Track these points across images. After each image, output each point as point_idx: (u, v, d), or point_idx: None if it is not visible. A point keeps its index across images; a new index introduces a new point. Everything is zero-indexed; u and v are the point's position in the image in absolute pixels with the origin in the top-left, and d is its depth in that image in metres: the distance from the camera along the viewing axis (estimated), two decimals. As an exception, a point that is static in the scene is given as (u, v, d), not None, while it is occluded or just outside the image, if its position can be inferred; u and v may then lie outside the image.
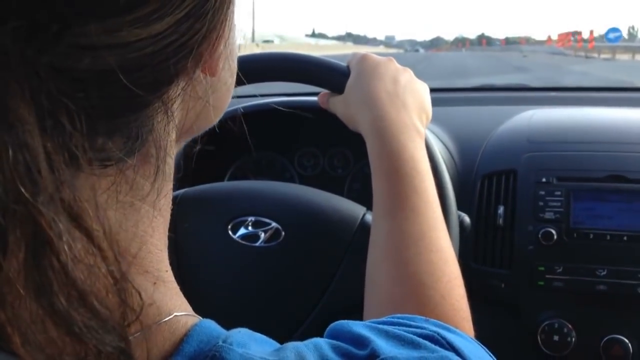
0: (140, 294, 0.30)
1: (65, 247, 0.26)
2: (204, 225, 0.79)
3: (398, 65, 0.72)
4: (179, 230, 0.76)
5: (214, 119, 0.42)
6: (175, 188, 0.85)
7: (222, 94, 0.42)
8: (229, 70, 0.41)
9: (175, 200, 0.81)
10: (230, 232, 0.77)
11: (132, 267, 0.32)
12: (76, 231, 0.27)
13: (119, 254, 0.29)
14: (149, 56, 0.29)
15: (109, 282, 0.28)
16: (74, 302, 0.26)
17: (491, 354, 0.42)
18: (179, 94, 0.35)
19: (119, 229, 0.33)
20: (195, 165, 0.96)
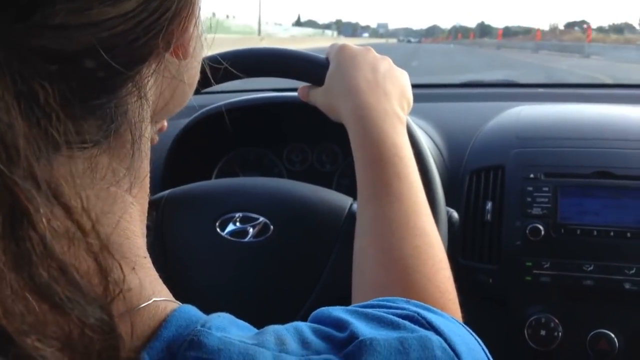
0: (121, 267, 0.30)
1: (43, 220, 0.26)
2: (192, 224, 0.79)
3: (377, 54, 0.72)
4: (166, 229, 0.76)
5: (188, 98, 0.43)
6: (163, 187, 0.84)
7: (195, 72, 0.42)
8: (200, 49, 0.41)
9: (162, 199, 0.81)
10: (218, 229, 0.77)
11: (112, 250, 0.32)
12: (54, 205, 0.27)
13: (97, 227, 0.29)
14: (120, 35, 0.29)
15: (90, 257, 0.29)
16: (55, 273, 0.26)
17: (473, 334, 0.42)
18: (151, 74, 0.35)
19: (95, 209, 0.32)
20: (183, 162, 0.95)
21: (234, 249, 0.76)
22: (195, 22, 0.37)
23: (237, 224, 0.77)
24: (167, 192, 0.80)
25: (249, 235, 0.76)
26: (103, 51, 0.28)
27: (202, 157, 1.14)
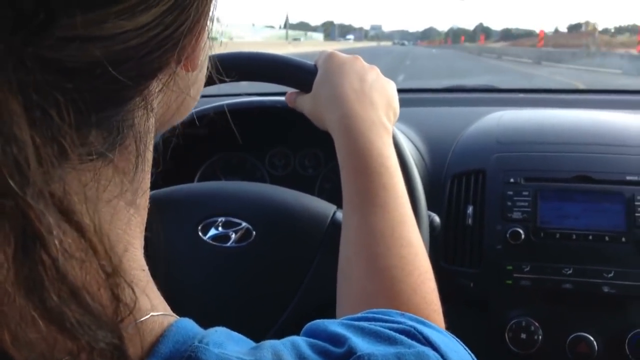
0: (133, 289, 0.30)
1: (56, 242, 0.25)
2: (174, 227, 0.78)
3: (365, 63, 0.72)
4: (148, 230, 0.75)
5: (191, 109, 0.43)
6: (158, 185, 0.84)
7: (200, 84, 0.42)
8: (206, 62, 0.41)
9: None
10: (200, 233, 0.77)
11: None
12: (66, 225, 0.26)
13: (110, 249, 0.28)
14: (134, 48, 0.29)
15: (100, 278, 0.28)
16: (66, 297, 0.26)
17: (466, 348, 0.43)
18: (160, 89, 0.34)
19: (104, 225, 0.32)
20: (165, 166, 0.94)
21: (215, 253, 0.76)
22: (207, 35, 0.37)
23: (220, 228, 0.77)
24: (150, 192, 0.80)
25: (231, 240, 0.76)
26: (116, 64, 0.28)
27: (184, 161, 1.13)
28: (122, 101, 0.31)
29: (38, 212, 0.24)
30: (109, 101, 0.30)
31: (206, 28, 0.36)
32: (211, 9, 0.36)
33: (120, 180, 0.34)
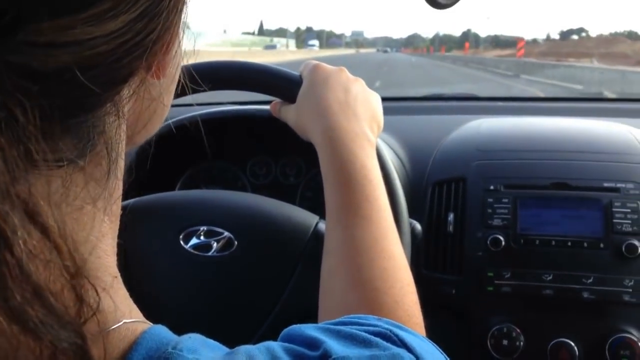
0: (96, 289, 0.30)
1: (20, 242, 0.25)
2: (155, 236, 0.78)
3: (350, 75, 0.73)
4: (128, 240, 0.75)
5: (164, 118, 0.43)
6: (124, 197, 0.83)
7: (172, 93, 0.42)
8: (179, 70, 0.41)
9: (125, 209, 0.80)
10: (182, 242, 0.76)
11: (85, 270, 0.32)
12: (31, 226, 0.26)
13: (74, 250, 0.29)
14: (102, 55, 0.29)
15: (64, 278, 0.28)
16: (29, 297, 0.26)
17: (443, 353, 0.43)
18: (131, 95, 0.34)
19: (71, 229, 0.32)
20: (146, 174, 0.94)
21: (196, 262, 0.75)
22: (179, 44, 0.37)
23: (201, 237, 0.76)
24: (132, 200, 0.79)
25: (213, 250, 0.76)
26: (84, 70, 0.28)
27: (165, 170, 1.13)
28: (92, 107, 0.31)
29: (3, 213, 0.25)
30: (78, 107, 0.30)
31: (177, 36, 0.36)
32: (182, 17, 0.36)
33: (92, 186, 0.34)
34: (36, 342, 0.26)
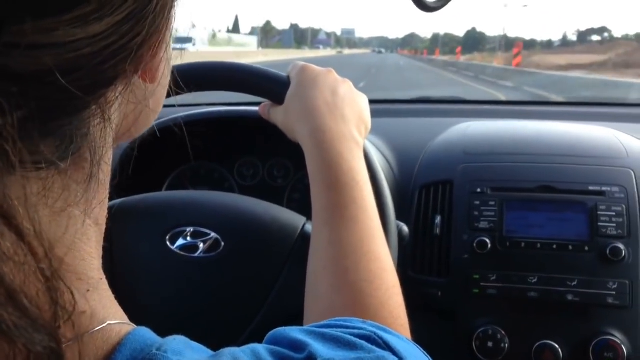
0: (72, 293, 0.30)
1: None
2: (142, 236, 0.78)
3: (337, 77, 0.73)
4: (115, 241, 0.75)
5: (151, 122, 0.42)
6: (111, 198, 0.83)
7: (160, 98, 0.42)
8: (167, 74, 0.41)
9: (111, 210, 0.80)
10: (168, 243, 0.76)
11: (65, 273, 0.31)
12: (5, 228, 0.26)
13: (50, 252, 0.28)
14: (86, 57, 0.28)
15: (39, 282, 0.28)
16: (2, 300, 0.26)
17: (427, 355, 0.43)
18: (116, 98, 0.34)
19: (49, 231, 0.32)
20: (133, 175, 0.94)
21: (183, 263, 0.75)
22: (166, 48, 0.37)
23: (188, 238, 0.76)
24: (118, 200, 0.79)
25: (200, 251, 0.76)
26: (68, 72, 0.27)
27: (152, 170, 1.12)
28: (75, 110, 0.31)
29: None
30: (61, 109, 0.30)
31: (165, 40, 0.36)
32: (171, 22, 0.35)
33: (74, 189, 0.33)
34: (10, 346, 0.26)
